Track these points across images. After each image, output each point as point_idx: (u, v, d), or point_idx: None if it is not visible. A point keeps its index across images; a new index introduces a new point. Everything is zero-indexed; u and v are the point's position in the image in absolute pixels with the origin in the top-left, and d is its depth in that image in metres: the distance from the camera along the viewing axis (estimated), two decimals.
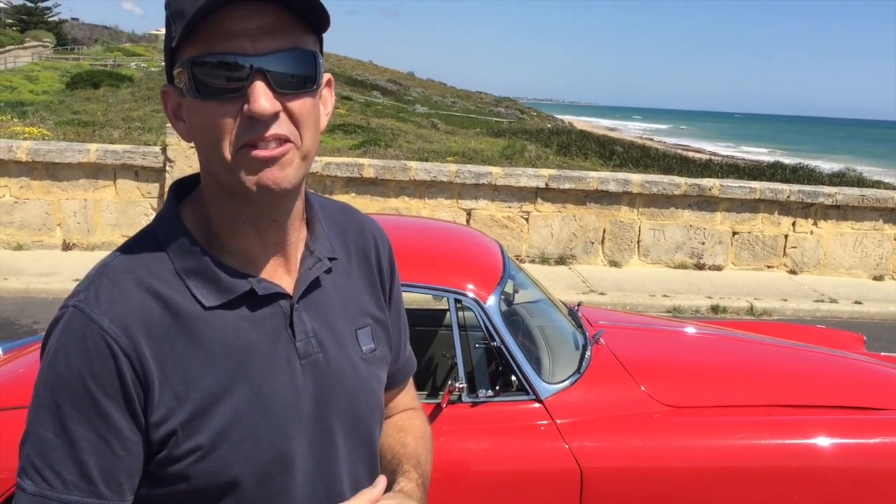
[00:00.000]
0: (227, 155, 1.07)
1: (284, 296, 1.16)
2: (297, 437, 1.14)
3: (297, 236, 1.20)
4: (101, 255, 8.20)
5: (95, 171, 9.14)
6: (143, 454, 1.08)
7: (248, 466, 1.10)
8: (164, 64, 1.14)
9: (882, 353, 4.23)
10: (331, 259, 1.23)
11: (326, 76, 1.16)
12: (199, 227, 1.16)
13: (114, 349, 1.05)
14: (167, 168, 9.03)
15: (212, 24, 1.03)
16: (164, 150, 9.11)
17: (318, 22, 1.09)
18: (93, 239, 9.22)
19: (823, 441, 2.93)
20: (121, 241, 8.97)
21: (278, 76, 1.06)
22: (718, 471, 2.88)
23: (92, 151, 9.07)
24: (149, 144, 10.77)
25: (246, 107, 1.05)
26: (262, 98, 1.04)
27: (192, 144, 1.13)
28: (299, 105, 1.09)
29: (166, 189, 9.31)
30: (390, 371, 1.35)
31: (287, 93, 1.07)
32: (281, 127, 1.07)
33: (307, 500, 1.16)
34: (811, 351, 3.76)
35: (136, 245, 1.15)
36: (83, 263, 7.79)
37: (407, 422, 1.42)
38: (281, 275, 1.17)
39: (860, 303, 8.79)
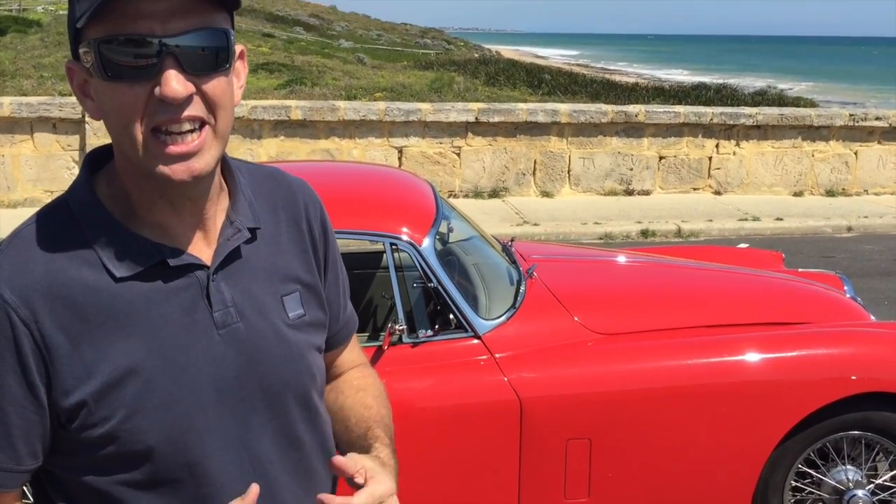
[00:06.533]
0: (139, 137, 1.06)
1: (201, 266, 1.16)
2: (214, 406, 1.15)
3: (216, 209, 1.19)
4: (23, 211, 7.96)
5: (11, 126, 8.79)
6: (49, 423, 1.11)
7: (161, 435, 1.12)
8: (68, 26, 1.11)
9: (800, 270, 4.44)
10: (253, 229, 1.22)
11: (239, 48, 1.16)
12: (113, 200, 1.15)
13: (12, 318, 1.07)
14: (86, 119, 8.74)
15: (118, 6, 1.01)
16: None
17: None
18: (14, 196, 8.92)
19: (748, 357, 3.10)
20: (43, 196, 8.75)
21: (189, 57, 1.05)
22: (651, 392, 3.02)
23: (6, 105, 8.71)
24: (64, 94, 10.38)
25: (157, 89, 1.03)
26: (174, 80, 1.03)
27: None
28: (213, 86, 1.08)
29: (87, 140, 8.98)
30: (331, 332, 1.36)
31: (199, 74, 1.06)
32: (195, 108, 1.06)
33: (229, 466, 1.17)
34: (733, 272, 3.94)
35: (49, 214, 1.15)
36: (6, 221, 7.55)
37: (362, 380, 1.43)
38: (200, 247, 1.17)
39: (781, 219, 9.13)
